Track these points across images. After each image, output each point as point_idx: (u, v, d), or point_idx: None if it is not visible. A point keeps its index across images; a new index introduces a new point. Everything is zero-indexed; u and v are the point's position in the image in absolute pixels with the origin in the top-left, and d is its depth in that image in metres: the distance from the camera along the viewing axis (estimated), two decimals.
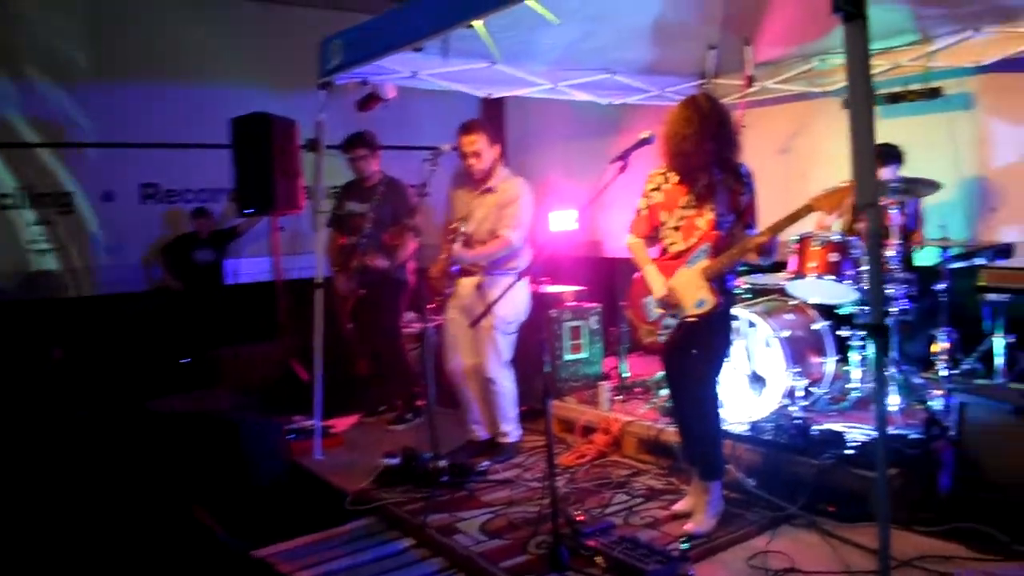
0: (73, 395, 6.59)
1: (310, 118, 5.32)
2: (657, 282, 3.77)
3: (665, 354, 3.95)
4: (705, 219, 3.69)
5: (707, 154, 3.61)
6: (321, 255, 5.42)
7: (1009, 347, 4.82)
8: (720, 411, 3.82)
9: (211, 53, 7.80)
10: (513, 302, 4.69)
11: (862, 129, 2.23)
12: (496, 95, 6.08)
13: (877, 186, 2.27)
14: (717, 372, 3.78)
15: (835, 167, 6.54)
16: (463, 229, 4.74)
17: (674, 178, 3.78)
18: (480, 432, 5.11)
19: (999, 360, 4.78)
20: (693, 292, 3.68)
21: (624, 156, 3.50)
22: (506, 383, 4.92)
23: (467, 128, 4.76)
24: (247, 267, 8.27)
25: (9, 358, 6.58)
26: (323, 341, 5.29)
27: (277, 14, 8.11)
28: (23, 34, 7.11)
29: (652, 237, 3.92)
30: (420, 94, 5.97)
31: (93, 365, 6.94)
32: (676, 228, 3.77)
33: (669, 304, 3.74)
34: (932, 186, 4.56)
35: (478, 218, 4.81)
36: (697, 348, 3.72)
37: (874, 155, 2.24)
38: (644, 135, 3.61)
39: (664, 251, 3.85)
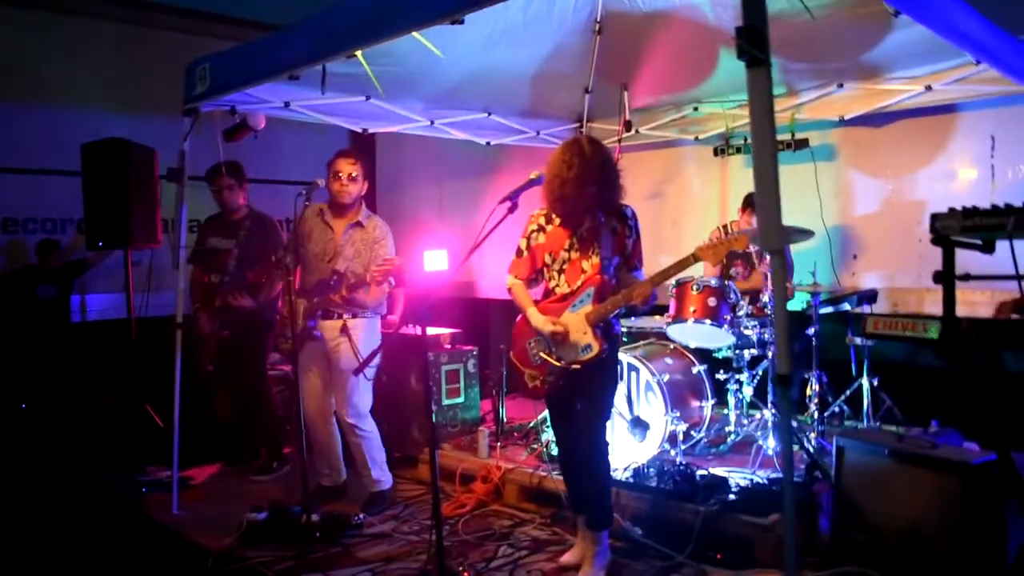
0: None
1: (172, 147, 5.00)
2: (541, 320, 3.65)
3: (550, 401, 3.85)
4: (590, 263, 3.62)
5: (589, 198, 3.55)
6: (181, 292, 5.06)
7: (874, 389, 5.00)
8: (610, 458, 3.72)
9: (65, 74, 7.30)
10: (371, 345, 4.59)
11: (767, 176, 2.19)
12: (372, 130, 5.91)
13: (782, 233, 2.22)
14: (606, 419, 3.69)
15: (705, 213, 6.81)
16: (336, 267, 4.54)
17: (557, 220, 3.71)
18: (337, 477, 4.98)
19: (866, 402, 4.95)
20: (578, 337, 3.59)
21: (513, 196, 3.39)
22: (370, 427, 4.75)
23: (347, 152, 4.73)
24: (97, 303, 7.73)
25: None
26: (184, 386, 4.92)
27: (141, 37, 7.68)
28: None
29: (532, 279, 3.82)
30: (289, 127, 5.74)
31: None
32: (560, 271, 3.69)
33: (558, 344, 3.63)
34: (805, 234, 4.69)
35: (347, 256, 4.64)
36: (583, 397, 3.63)
37: (777, 201, 2.18)
38: (533, 175, 3.52)
39: (548, 293, 3.76)
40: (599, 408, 3.67)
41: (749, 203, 5.51)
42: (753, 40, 2.14)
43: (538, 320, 3.66)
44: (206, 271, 5.47)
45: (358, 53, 3.77)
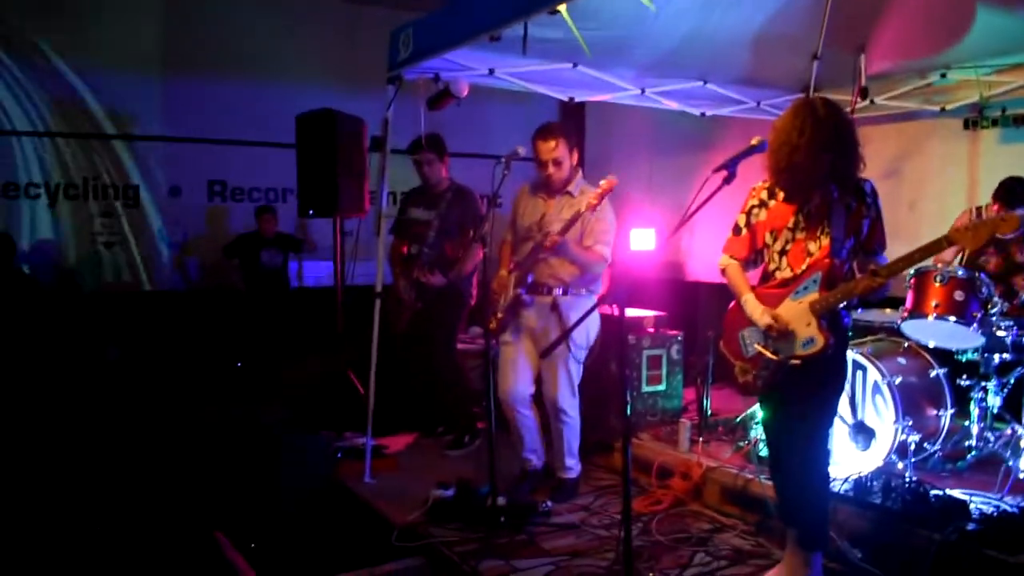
0: (125, 395, 6.38)
1: (379, 118, 4.98)
2: (758, 311, 3.25)
3: (763, 399, 3.43)
4: (818, 244, 3.16)
5: (822, 167, 3.09)
6: (382, 262, 5.05)
7: None
8: (830, 469, 3.27)
9: (282, 49, 7.61)
10: (588, 327, 4.32)
11: None
12: (578, 99, 5.66)
13: None
14: (828, 425, 3.24)
15: (950, 195, 6.04)
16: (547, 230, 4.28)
17: (781, 195, 3.28)
18: (536, 462, 4.69)
19: None
20: (800, 329, 3.15)
21: (730, 165, 2.99)
22: (575, 414, 4.48)
23: (545, 132, 4.28)
24: (314, 270, 8.06)
25: (67, 352, 6.43)
26: (379, 353, 4.92)
27: (347, 12, 7.88)
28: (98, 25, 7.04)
29: (751, 260, 3.41)
30: (494, 97, 5.60)
31: (148, 365, 6.76)
32: (782, 252, 3.25)
33: (774, 338, 3.22)
34: None
35: (557, 228, 4.30)
36: (803, 397, 3.19)
37: None
38: (755, 141, 3.10)
39: (767, 277, 3.33)
40: (820, 411, 3.21)
41: (1006, 193, 4.75)
42: None
43: (755, 310, 3.25)
44: (405, 241, 5.44)
45: (562, 8, 3.50)
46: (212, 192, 7.85)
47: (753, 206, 3.36)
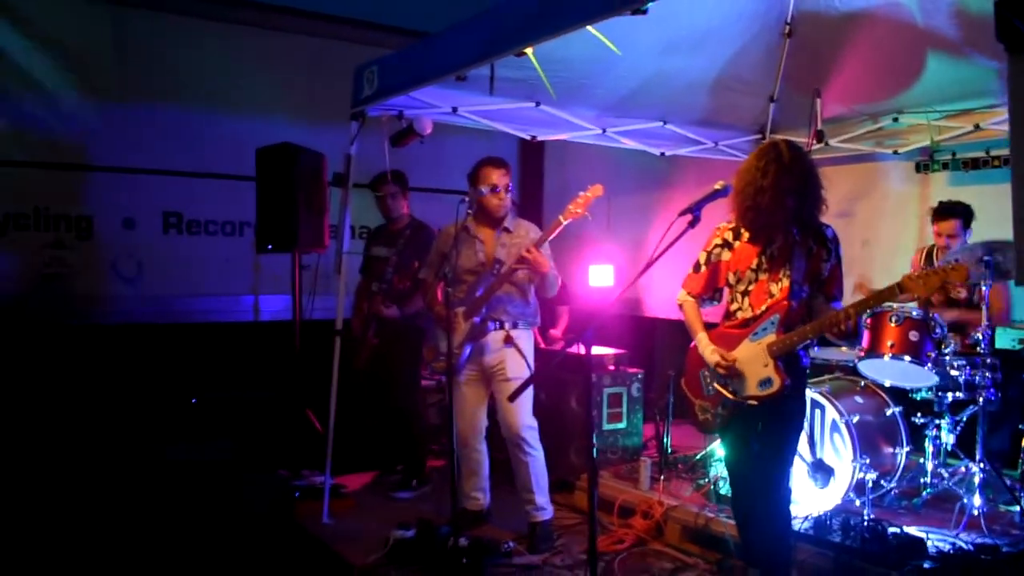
0: (77, 431, 6.22)
1: (340, 153, 4.97)
2: (708, 349, 3.30)
3: (726, 437, 3.46)
4: (779, 285, 3.21)
5: (786, 211, 3.16)
6: (342, 298, 5.01)
7: None
8: (791, 508, 3.29)
9: (238, 80, 7.57)
10: (529, 357, 4.40)
11: None
12: (540, 138, 5.71)
13: None
14: (788, 464, 3.27)
15: (901, 233, 6.17)
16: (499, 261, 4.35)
17: (745, 236, 3.33)
18: (483, 500, 4.69)
19: None
20: (758, 370, 3.19)
21: (695, 209, 3.03)
22: (537, 445, 4.43)
23: (496, 160, 4.40)
24: (266, 304, 7.94)
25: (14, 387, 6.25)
26: (340, 391, 4.87)
27: (313, 47, 7.87)
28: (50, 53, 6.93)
29: (706, 297, 3.47)
30: (456, 134, 5.62)
31: (100, 400, 6.60)
32: (745, 293, 3.30)
33: (729, 377, 3.26)
34: None
35: (504, 257, 4.38)
36: (762, 437, 3.22)
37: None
38: (718, 185, 3.15)
39: (729, 316, 3.37)
40: (780, 451, 3.25)
41: (940, 212, 4.93)
42: (1022, 14, 1.67)
43: (706, 348, 3.31)
44: (369, 279, 5.44)
45: (529, 51, 3.54)
46: (167, 224, 7.72)
47: (716, 245, 3.42)
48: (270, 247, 5.72)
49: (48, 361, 6.61)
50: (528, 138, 5.68)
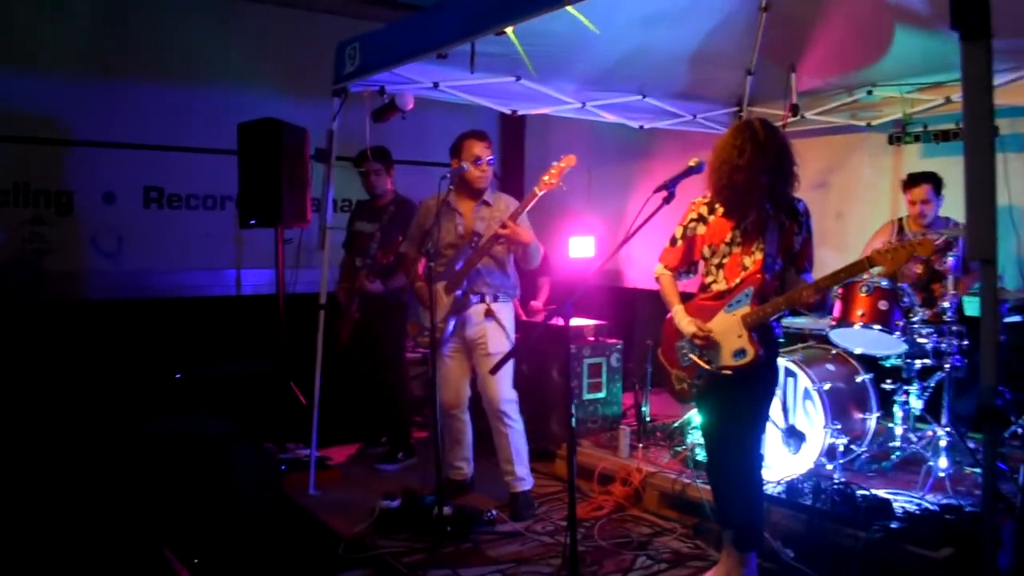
0: (64, 408, 6.25)
1: (324, 128, 5.00)
2: (684, 320, 3.40)
3: (699, 406, 3.57)
4: (753, 259, 3.31)
5: (759, 188, 3.25)
6: (326, 272, 5.07)
7: None
8: (763, 472, 3.41)
9: (222, 55, 7.53)
10: (509, 328, 4.50)
11: (981, 170, 1.85)
12: (520, 112, 5.76)
13: (994, 240, 1.88)
14: (760, 431, 3.39)
15: (874, 206, 6.29)
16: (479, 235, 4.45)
17: (720, 210, 3.42)
18: (467, 470, 4.81)
19: None
20: (732, 341, 3.30)
21: (670, 185, 3.11)
22: (517, 416, 4.54)
23: (482, 135, 4.48)
24: (248, 278, 7.96)
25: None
26: (323, 364, 4.94)
27: (294, 19, 7.82)
28: (29, 27, 6.86)
29: (683, 270, 3.57)
30: (438, 108, 5.66)
31: (85, 377, 6.61)
32: (719, 266, 3.40)
33: (704, 349, 3.36)
34: None
35: (483, 231, 4.46)
36: (736, 405, 3.34)
37: (992, 201, 1.84)
38: (692, 162, 3.24)
39: (705, 288, 3.47)
40: (753, 418, 3.37)
41: (908, 180, 5.10)
42: (972, 4, 1.76)
43: (682, 320, 3.41)
44: (353, 255, 5.48)
45: (509, 30, 3.59)
46: (148, 199, 7.71)
47: (692, 219, 3.51)
48: (253, 222, 5.75)
49: (28, 338, 6.62)
50: (509, 112, 5.73)
